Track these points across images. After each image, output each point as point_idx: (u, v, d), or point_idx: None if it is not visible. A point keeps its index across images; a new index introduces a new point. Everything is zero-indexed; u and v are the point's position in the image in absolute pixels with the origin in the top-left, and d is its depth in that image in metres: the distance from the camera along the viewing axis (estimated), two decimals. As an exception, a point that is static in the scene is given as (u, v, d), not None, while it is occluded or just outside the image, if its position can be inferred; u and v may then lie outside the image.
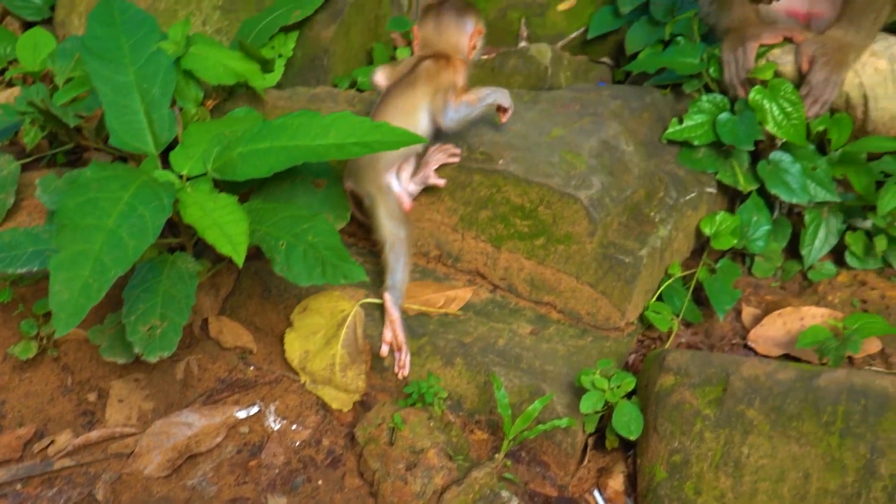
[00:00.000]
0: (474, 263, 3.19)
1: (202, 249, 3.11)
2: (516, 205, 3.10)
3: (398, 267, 2.99)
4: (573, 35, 4.13)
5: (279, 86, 3.72)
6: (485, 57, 4.13)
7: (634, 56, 3.96)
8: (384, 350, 2.95)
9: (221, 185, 2.85)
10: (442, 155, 3.17)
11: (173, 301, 2.77)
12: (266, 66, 3.50)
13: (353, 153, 2.79)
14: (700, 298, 3.32)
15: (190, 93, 3.36)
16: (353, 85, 3.87)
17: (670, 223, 3.21)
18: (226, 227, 2.59)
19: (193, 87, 3.36)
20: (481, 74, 3.84)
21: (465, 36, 3.18)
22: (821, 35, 3.50)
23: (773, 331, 3.23)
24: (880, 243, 3.42)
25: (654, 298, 3.21)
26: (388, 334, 2.96)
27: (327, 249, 2.71)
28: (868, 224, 3.50)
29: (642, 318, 3.18)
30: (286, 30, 3.77)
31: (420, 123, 3.07)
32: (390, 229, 3.01)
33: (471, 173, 3.16)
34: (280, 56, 3.75)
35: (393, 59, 4.02)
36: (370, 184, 3.04)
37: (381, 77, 3.18)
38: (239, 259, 2.52)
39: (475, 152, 3.19)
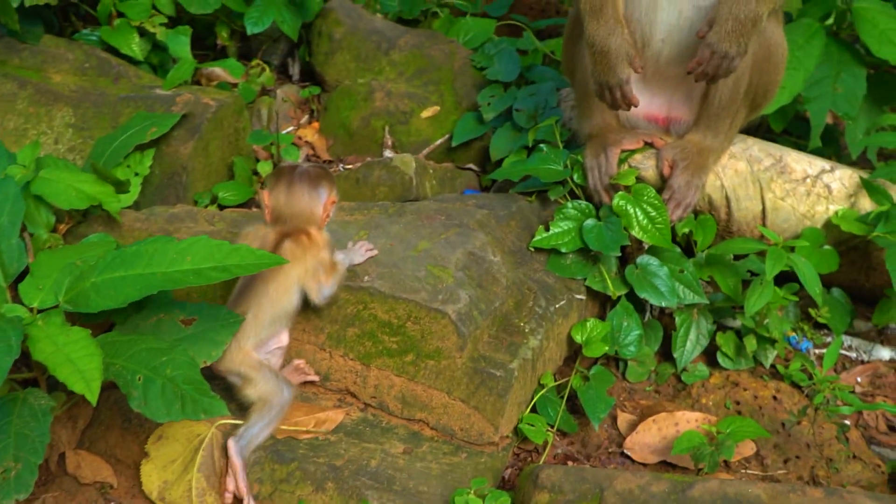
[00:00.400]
0: (344, 382, 3.22)
1: (57, 381, 3.07)
2: (384, 321, 3.16)
3: (260, 425, 3.01)
4: (438, 142, 4.25)
5: (137, 205, 3.74)
6: (349, 167, 4.22)
7: (500, 163, 4.09)
8: (227, 498, 2.95)
9: (76, 318, 2.84)
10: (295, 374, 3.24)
11: (26, 440, 2.73)
12: (121, 187, 3.51)
13: (212, 278, 2.83)
14: (575, 407, 3.41)
15: (41, 218, 3.35)
16: (213, 201, 3.91)
17: (541, 333, 3.30)
18: (78, 362, 2.58)
19: (45, 213, 3.36)
20: (346, 186, 3.91)
21: (318, 206, 3.18)
22: (680, 139, 3.68)
23: (648, 437, 3.33)
24: (750, 343, 3.56)
25: (528, 410, 3.28)
26: (230, 483, 2.96)
27: (187, 383, 2.71)
28: (738, 324, 3.64)
29: (517, 431, 3.24)
30: (142, 147, 3.80)
31: (293, 303, 3.12)
32: (269, 392, 3.05)
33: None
34: (136, 175, 3.77)
35: (255, 172, 4.07)
36: (237, 364, 3.07)
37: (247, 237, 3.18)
38: (92, 397, 2.52)
39: (340, 269, 3.25)
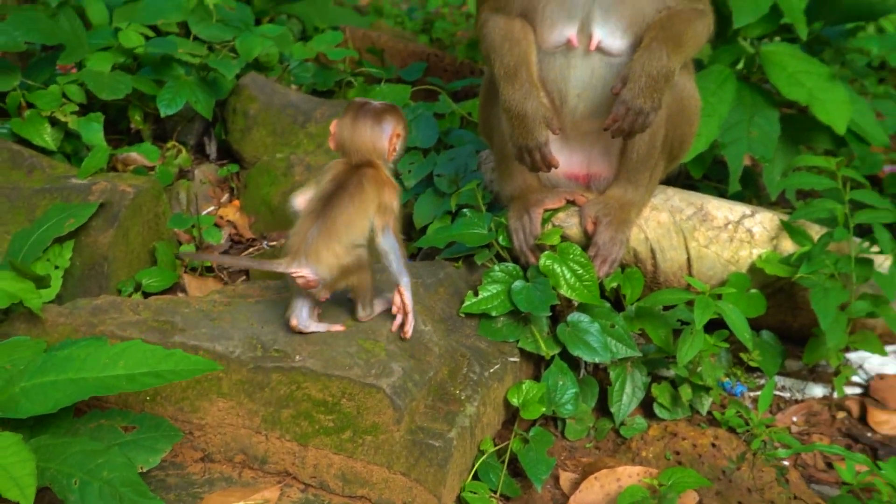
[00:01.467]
0: (282, 464, 3.24)
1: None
2: (318, 400, 3.19)
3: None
4: (361, 213, 4.30)
5: (59, 299, 3.75)
6: (273, 244, 4.26)
7: (424, 229, 4.15)
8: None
9: (6, 423, 2.84)
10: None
11: (-41, 552, 2.72)
12: (41, 282, 3.52)
13: (146, 384, 2.86)
14: (517, 470, 3.46)
15: (-40, 320, 3.35)
16: (137, 289, 3.93)
17: (477, 399, 3.36)
18: (11, 468, 2.59)
19: (-36, 314, 3.36)
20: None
21: (383, 139, 3.36)
22: (602, 195, 3.78)
23: (591, 495, 3.39)
24: (685, 392, 3.65)
25: (470, 477, 3.33)
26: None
27: (125, 486, 2.71)
28: (672, 374, 3.73)
29: (460, 500, 3.28)
30: (61, 239, 3.81)
31: (365, 234, 3.30)
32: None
33: (268, 373, 3.24)
34: (56, 268, 3.78)
35: (177, 256, 4.10)
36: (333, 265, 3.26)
37: (301, 200, 3.35)
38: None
39: (270, 350, 3.28)
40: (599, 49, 3.60)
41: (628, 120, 3.50)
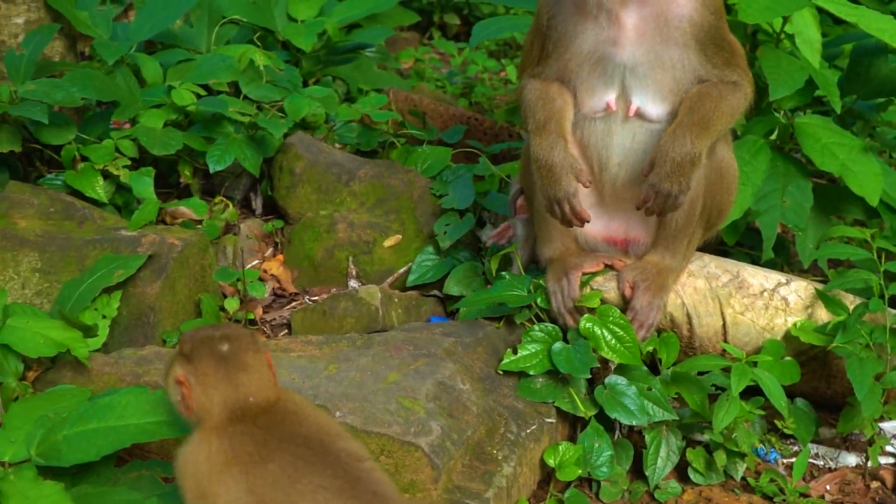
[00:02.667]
0: (319, 519, 3.13)
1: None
2: (358, 456, 3.09)
3: None
4: (401, 271, 4.22)
5: (106, 348, 3.67)
6: (315, 299, 4.18)
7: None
8: None
9: (49, 472, 2.75)
10: None
11: None
12: (89, 331, 3.45)
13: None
14: (552, 531, 3.34)
15: (9, 367, 3.28)
16: (182, 340, 3.84)
17: (514, 459, 3.24)
18: (52, 518, 2.50)
19: (13, 361, 3.30)
20: (313, 318, 3.87)
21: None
22: (640, 260, 3.68)
23: (626, 559, 3.26)
24: (720, 458, 3.52)
25: (505, 538, 3.21)
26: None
27: (162, 537, 2.63)
28: (706, 438, 3.61)
29: (496, 561, 3.16)
30: (109, 290, 3.74)
31: None
32: None
33: (309, 428, 3.13)
34: (104, 317, 3.70)
35: (222, 309, 4.02)
36: None
37: None
38: (68, 554, 2.43)
39: (312, 405, 3.18)
40: (638, 115, 3.53)
41: (658, 202, 3.45)
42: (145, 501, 2.69)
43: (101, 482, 2.88)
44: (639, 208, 3.50)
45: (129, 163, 4.33)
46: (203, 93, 4.56)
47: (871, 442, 3.70)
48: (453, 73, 6.92)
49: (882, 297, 3.66)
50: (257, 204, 4.68)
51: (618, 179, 3.63)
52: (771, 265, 4.34)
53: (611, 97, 3.55)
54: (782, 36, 4.43)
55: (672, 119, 3.50)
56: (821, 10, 4.39)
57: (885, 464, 3.79)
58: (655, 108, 3.54)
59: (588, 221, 3.56)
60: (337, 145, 4.96)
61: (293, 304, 4.19)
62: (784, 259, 4.67)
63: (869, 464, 3.71)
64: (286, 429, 2.55)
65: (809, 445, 3.76)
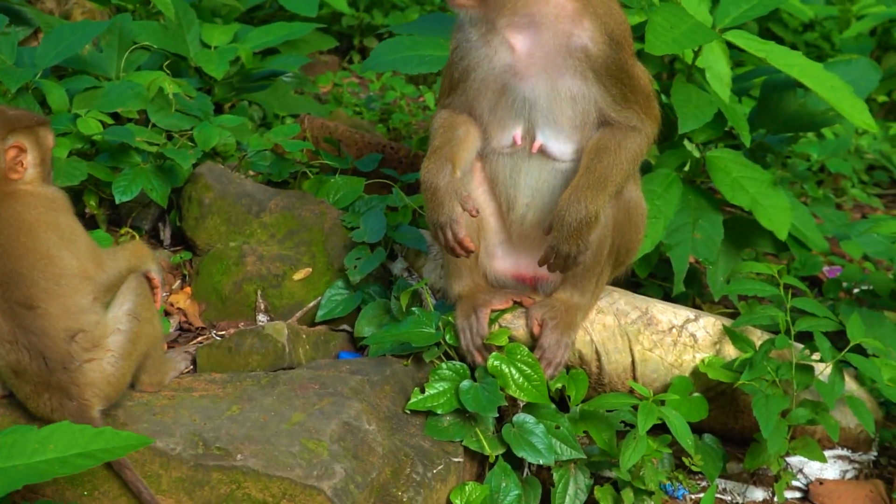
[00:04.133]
0: (220, 564, 3.07)
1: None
2: (259, 500, 3.04)
3: None
4: (310, 305, 4.15)
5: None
6: (222, 333, 4.10)
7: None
8: None
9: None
10: None
11: None
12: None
13: (79, 466, 2.70)
14: (458, 573, 3.30)
15: None
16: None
17: (420, 501, 3.21)
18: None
19: None
20: (218, 355, 3.79)
21: None
22: (548, 298, 3.67)
23: None
24: (627, 496, 3.52)
25: (411, 581, 3.16)
26: None
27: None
28: (615, 475, 3.59)
29: None
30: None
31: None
32: None
33: (209, 471, 3.07)
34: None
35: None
36: None
37: None
38: None
39: (212, 448, 3.11)
40: (542, 152, 3.52)
41: (558, 262, 3.47)
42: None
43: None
44: (541, 265, 3.51)
45: (31, 193, 4.21)
46: (111, 121, 4.46)
47: (777, 477, 3.72)
48: (371, 99, 6.88)
49: (788, 333, 3.69)
50: (165, 235, 4.59)
51: (525, 220, 3.62)
52: (683, 298, 4.36)
53: (517, 131, 3.53)
54: (694, 70, 4.46)
55: (577, 160, 3.49)
56: (732, 46, 4.43)
57: (792, 498, 3.82)
58: (559, 146, 3.53)
59: (473, 251, 3.53)
60: (251, 172, 4.89)
61: (199, 338, 4.10)
62: (696, 291, 4.70)
63: (776, 499, 3.74)
64: None
65: (717, 481, 3.78)
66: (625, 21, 3.55)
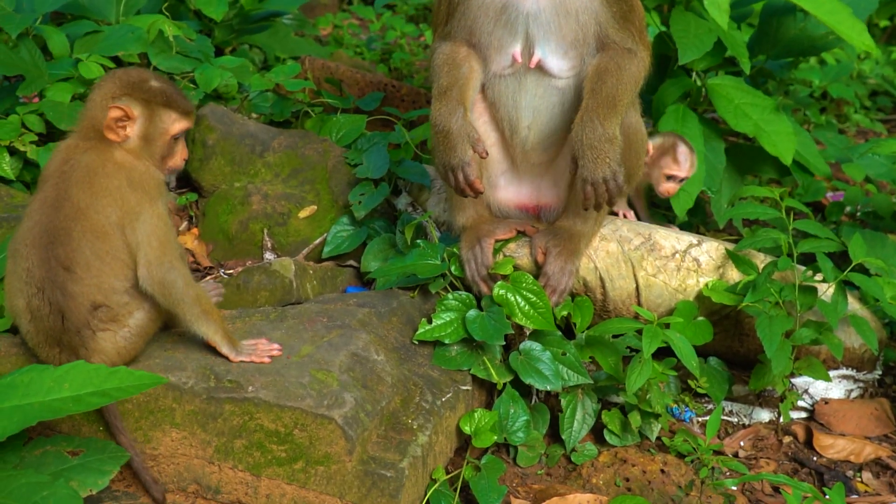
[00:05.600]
0: (235, 494, 3.12)
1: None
2: (271, 430, 3.07)
3: None
4: (317, 242, 4.19)
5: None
6: (230, 272, 4.14)
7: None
8: None
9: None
10: None
11: None
12: (-5, 313, 3.39)
13: (92, 404, 2.74)
14: (469, 498, 3.36)
15: (-88, 352, 3.21)
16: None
17: (429, 428, 3.25)
18: (-45, 505, 2.46)
19: (-84, 346, 3.22)
20: (227, 293, 3.83)
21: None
22: (552, 226, 3.69)
23: (543, 523, 3.29)
24: (634, 420, 3.56)
25: (423, 506, 3.22)
26: None
27: (72, 517, 2.59)
28: (622, 400, 3.64)
29: (413, 529, 3.17)
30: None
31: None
32: None
33: (221, 403, 3.11)
34: (12, 298, 3.64)
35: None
36: None
37: None
38: (-31, 543, 2.39)
39: (223, 381, 3.15)
40: (541, 68, 3.51)
41: (600, 194, 3.41)
42: (52, 483, 2.65)
43: (8, 465, 2.84)
44: (586, 209, 3.48)
45: (35, 138, 4.24)
46: (112, 65, 4.47)
47: (782, 398, 3.76)
48: (372, 40, 6.87)
49: (790, 255, 3.71)
50: (171, 177, 4.61)
51: (527, 143, 3.63)
52: (687, 226, 4.38)
53: (516, 48, 3.53)
54: (692, -1, 4.45)
55: (574, 76, 3.50)
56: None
57: (797, 419, 3.86)
58: (557, 62, 3.52)
59: (482, 192, 3.55)
60: (254, 115, 4.90)
61: (208, 277, 4.14)
62: (700, 220, 4.71)
63: (781, 419, 3.78)
64: None
65: (723, 403, 3.82)
66: None
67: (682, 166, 4.14)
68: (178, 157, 3.34)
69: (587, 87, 3.45)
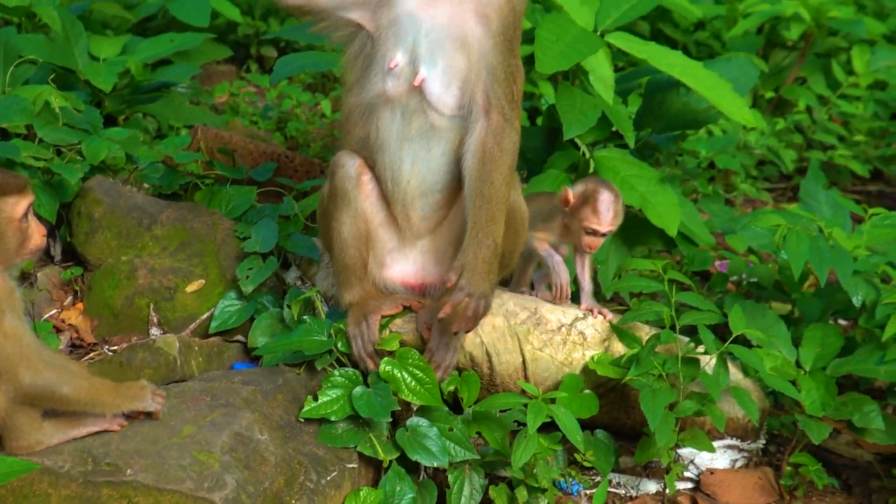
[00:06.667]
0: (114, 581, 3.05)
1: None
2: (150, 515, 3.02)
3: None
4: (203, 317, 4.14)
5: None
6: (115, 349, 4.07)
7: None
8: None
9: None
10: None
11: None
12: None
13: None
14: (355, 578, 3.32)
15: None
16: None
17: (314, 508, 3.22)
18: None
19: None
20: (110, 370, 3.77)
21: None
22: (437, 302, 3.71)
23: None
24: (521, 494, 3.58)
25: (307, 589, 3.17)
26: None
27: None
28: (509, 475, 3.64)
29: None
30: None
31: None
32: None
33: (98, 487, 3.05)
34: None
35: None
36: None
37: None
38: None
39: (101, 464, 3.10)
40: (423, 93, 3.54)
41: (472, 306, 3.54)
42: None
43: None
44: (443, 318, 3.56)
45: None
46: (-3, 137, 4.41)
47: (668, 469, 3.80)
48: (268, 108, 6.86)
49: (673, 327, 3.77)
50: (56, 250, 4.53)
51: (408, 195, 3.68)
52: (575, 296, 4.42)
53: (400, 56, 3.54)
54: (579, 73, 4.54)
55: (457, 125, 3.59)
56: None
57: (683, 489, 3.90)
58: (441, 91, 3.55)
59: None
60: (145, 185, 4.85)
61: (91, 354, 4.07)
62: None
63: (667, 491, 3.82)
64: None
65: (610, 475, 3.85)
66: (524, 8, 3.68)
67: (602, 219, 3.83)
68: (37, 235, 3.19)
69: (474, 187, 3.56)
